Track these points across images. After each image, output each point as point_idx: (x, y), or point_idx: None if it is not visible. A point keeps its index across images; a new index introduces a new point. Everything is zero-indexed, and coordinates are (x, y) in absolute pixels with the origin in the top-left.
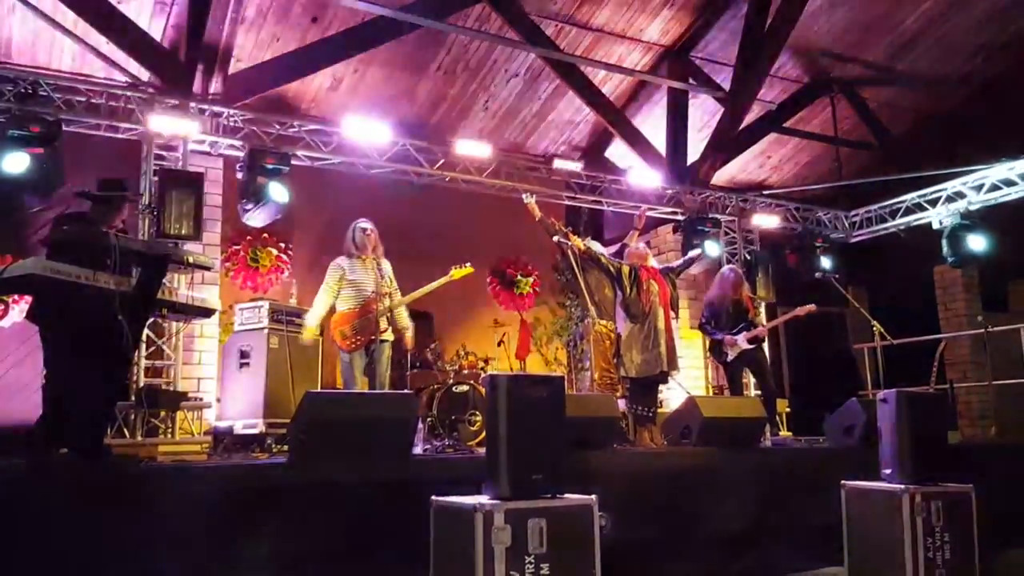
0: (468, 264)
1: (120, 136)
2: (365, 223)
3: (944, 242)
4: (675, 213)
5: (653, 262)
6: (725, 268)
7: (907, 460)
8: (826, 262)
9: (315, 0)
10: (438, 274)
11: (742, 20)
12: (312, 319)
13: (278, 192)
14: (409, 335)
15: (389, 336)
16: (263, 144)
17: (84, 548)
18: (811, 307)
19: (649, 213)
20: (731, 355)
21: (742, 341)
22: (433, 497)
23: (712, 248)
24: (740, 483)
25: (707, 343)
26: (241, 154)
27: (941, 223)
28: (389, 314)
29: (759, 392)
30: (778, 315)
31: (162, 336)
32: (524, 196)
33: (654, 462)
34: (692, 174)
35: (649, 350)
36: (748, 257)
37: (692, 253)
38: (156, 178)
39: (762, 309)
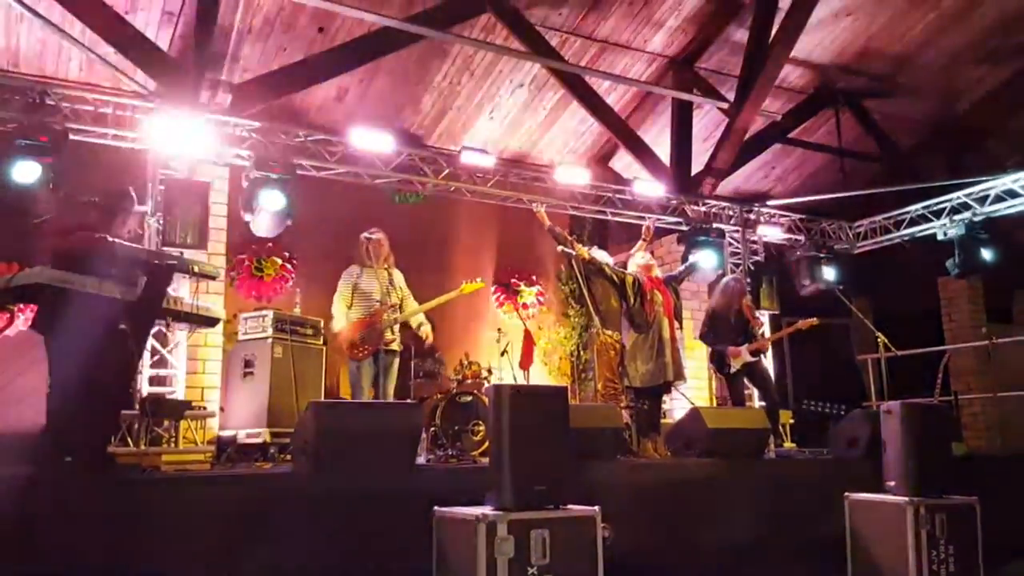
0: (480, 279)
1: (127, 145)
2: (377, 233)
3: (956, 252)
4: (679, 223)
5: (657, 272)
6: (728, 278)
7: (911, 472)
8: (830, 273)
9: (321, 11)
10: (443, 284)
11: (747, 31)
12: (337, 324)
13: (283, 202)
14: (426, 330)
15: (397, 347)
16: (269, 154)
17: (88, 557)
18: (813, 320)
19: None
20: (734, 367)
21: (745, 353)
22: (436, 507)
23: (708, 258)
24: (744, 495)
25: (709, 353)
26: (247, 164)
27: (946, 234)
28: (393, 324)
29: (762, 404)
30: (783, 326)
31: (166, 345)
32: (534, 205)
33: (658, 473)
34: (696, 184)
35: (653, 360)
36: (752, 268)
37: (690, 261)
38: (162, 187)
39: (765, 319)
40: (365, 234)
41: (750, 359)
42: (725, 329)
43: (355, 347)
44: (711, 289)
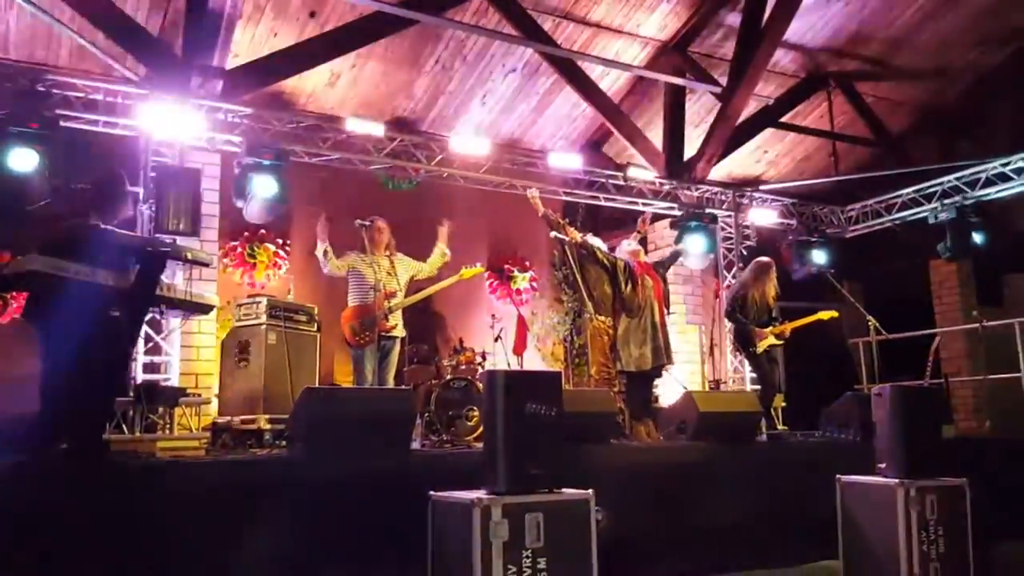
0: (479, 264)
1: (118, 132)
2: (379, 221)
3: (947, 235)
4: (672, 208)
5: (644, 257)
6: (762, 261)
7: (902, 454)
8: (822, 257)
9: None
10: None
11: (740, 15)
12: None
13: (275, 188)
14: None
15: (400, 332)
16: (261, 140)
17: (83, 543)
18: (834, 312)
19: (646, 208)
20: (759, 348)
21: (771, 336)
22: (431, 492)
23: (700, 243)
24: (736, 477)
25: (733, 331)
26: (239, 150)
27: (937, 218)
28: (389, 312)
29: (756, 387)
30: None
31: (160, 332)
32: (528, 191)
33: (651, 456)
34: (689, 169)
35: (646, 343)
36: (744, 252)
37: (676, 248)
38: (154, 174)
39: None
40: (372, 222)
41: (775, 342)
42: (752, 310)
43: (356, 334)
44: (706, 275)
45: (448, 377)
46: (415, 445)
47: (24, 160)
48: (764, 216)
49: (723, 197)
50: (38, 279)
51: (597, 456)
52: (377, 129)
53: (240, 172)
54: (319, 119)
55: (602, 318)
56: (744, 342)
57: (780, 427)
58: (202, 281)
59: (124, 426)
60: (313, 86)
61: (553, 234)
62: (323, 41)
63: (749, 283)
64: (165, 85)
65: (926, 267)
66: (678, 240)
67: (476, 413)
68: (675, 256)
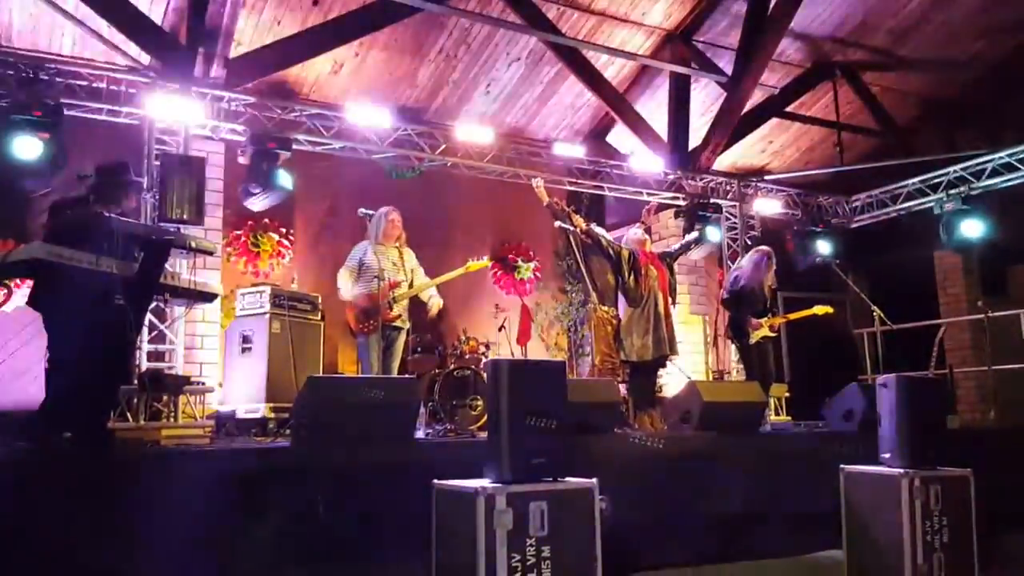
0: (485, 258)
1: (122, 120)
2: (393, 212)
3: (952, 225)
4: (676, 198)
5: (651, 247)
6: (761, 250)
7: (906, 444)
8: (827, 247)
9: None
10: (441, 259)
11: (745, 3)
12: (344, 295)
13: (279, 177)
14: (436, 302)
15: (404, 323)
16: (264, 129)
17: (87, 532)
18: (829, 308)
19: (650, 198)
20: (753, 338)
21: (766, 327)
22: (435, 481)
23: (711, 233)
24: (740, 467)
25: (728, 319)
26: (242, 139)
27: (942, 208)
28: (394, 302)
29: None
30: (778, 300)
31: (164, 321)
32: (532, 180)
33: (654, 446)
34: (694, 159)
35: (649, 334)
36: (749, 243)
37: (688, 238)
38: (158, 162)
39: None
40: (386, 212)
41: (770, 334)
42: (749, 300)
43: (360, 322)
44: (709, 264)
45: (452, 366)
46: (419, 434)
47: (28, 148)
48: (769, 206)
49: (728, 187)
50: (42, 267)
51: (601, 445)
52: (380, 118)
53: (250, 162)
54: (322, 108)
55: (606, 308)
56: (738, 331)
57: (784, 417)
58: (206, 270)
59: (128, 414)
60: (316, 75)
61: (558, 223)
62: (326, 30)
63: (748, 275)
64: (169, 74)
65: (931, 257)
66: (688, 230)
67: (480, 402)
68: (685, 247)
